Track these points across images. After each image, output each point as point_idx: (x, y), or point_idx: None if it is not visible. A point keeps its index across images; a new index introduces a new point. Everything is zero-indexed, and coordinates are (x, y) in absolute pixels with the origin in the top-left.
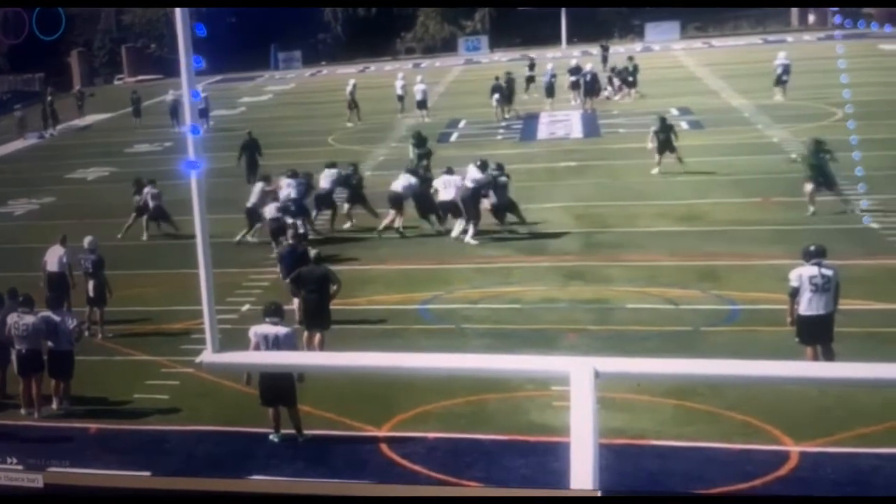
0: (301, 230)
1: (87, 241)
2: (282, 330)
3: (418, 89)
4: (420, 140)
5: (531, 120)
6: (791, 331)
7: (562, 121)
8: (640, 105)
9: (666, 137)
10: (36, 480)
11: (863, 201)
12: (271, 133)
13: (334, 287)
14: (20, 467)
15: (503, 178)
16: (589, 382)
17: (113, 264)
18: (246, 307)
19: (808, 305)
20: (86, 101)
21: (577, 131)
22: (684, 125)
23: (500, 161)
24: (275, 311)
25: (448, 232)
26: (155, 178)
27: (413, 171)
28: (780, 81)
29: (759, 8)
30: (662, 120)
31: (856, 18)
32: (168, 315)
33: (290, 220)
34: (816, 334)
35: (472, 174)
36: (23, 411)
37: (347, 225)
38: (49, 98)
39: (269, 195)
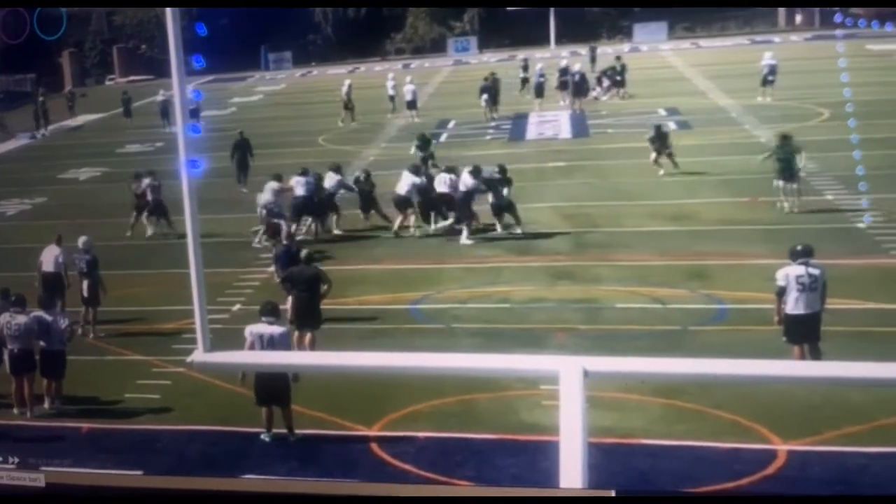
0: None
1: (81, 241)
2: (277, 329)
3: (408, 90)
4: (424, 142)
5: (520, 120)
6: (779, 330)
7: (550, 121)
8: (629, 105)
9: (661, 145)
10: (38, 479)
11: (863, 200)
12: (262, 133)
13: (325, 287)
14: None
15: (500, 180)
16: (578, 381)
17: (105, 264)
18: (237, 307)
19: (794, 305)
20: (77, 101)
21: (565, 131)
22: (672, 125)
23: (501, 162)
24: (271, 311)
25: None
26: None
27: (415, 170)
28: (766, 82)
29: (747, 8)
30: (657, 128)
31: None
32: (159, 315)
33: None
34: (803, 333)
35: (465, 179)
36: (15, 411)
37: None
38: (41, 99)
39: (283, 194)
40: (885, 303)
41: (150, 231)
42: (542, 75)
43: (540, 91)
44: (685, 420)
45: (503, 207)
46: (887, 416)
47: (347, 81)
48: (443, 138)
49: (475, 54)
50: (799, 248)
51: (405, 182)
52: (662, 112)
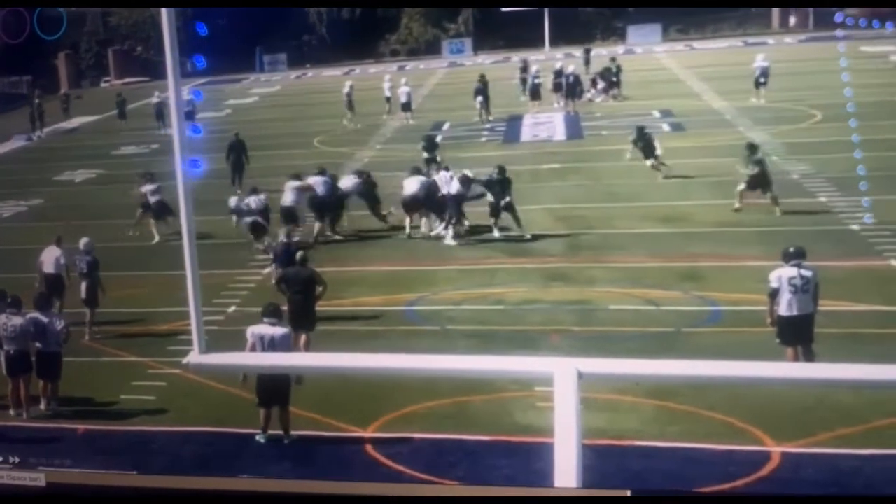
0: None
1: (82, 242)
2: (278, 331)
3: (402, 91)
4: (431, 144)
5: (515, 122)
6: (772, 332)
7: (545, 123)
8: (623, 107)
9: (645, 145)
10: (39, 479)
11: (864, 199)
12: (257, 135)
13: (320, 289)
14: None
15: (499, 181)
16: (572, 383)
17: (101, 266)
18: (232, 308)
19: (787, 306)
20: (71, 103)
21: (560, 133)
22: (666, 127)
23: (500, 163)
24: (273, 312)
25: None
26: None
27: (418, 170)
28: (758, 84)
29: (741, 9)
30: (639, 129)
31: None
32: (155, 316)
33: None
34: (797, 335)
35: (454, 186)
36: (11, 412)
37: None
38: (37, 101)
39: (304, 192)
40: (878, 304)
41: (156, 238)
42: (537, 77)
43: (535, 93)
44: (679, 421)
45: (502, 209)
46: (880, 418)
47: (349, 83)
48: (437, 140)
49: (470, 56)
50: (791, 249)
51: (413, 184)
52: (656, 114)
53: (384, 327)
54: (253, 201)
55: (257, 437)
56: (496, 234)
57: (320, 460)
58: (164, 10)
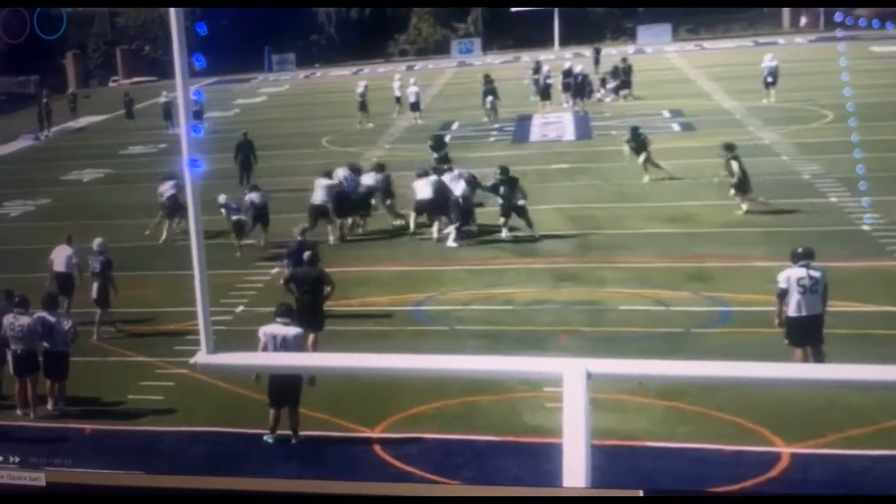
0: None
1: (96, 242)
2: (291, 331)
3: (411, 91)
4: (439, 144)
5: (524, 122)
6: (781, 332)
7: (554, 123)
8: (632, 107)
9: (638, 146)
10: (39, 479)
11: (863, 200)
12: (266, 135)
13: (328, 289)
14: (19, 466)
15: (503, 181)
16: (581, 384)
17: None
18: (240, 308)
19: (796, 307)
20: (79, 103)
21: (569, 133)
22: (676, 127)
23: (503, 164)
24: (285, 312)
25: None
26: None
27: (426, 172)
28: (767, 84)
29: (751, 9)
30: (633, 129)
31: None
32: (163, 316)
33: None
34: (805, 336)
35: (460, 186)
36: (19, 412)
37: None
38: (45, 100)
39: (334, 190)
40: (888, 305)
41: (163, 237)
42: (548, 77)
43: (546, 93)
44: (688, 422)
45: (512, 210)
46: (890, 418)
47: (363, 83)
48: (446, 140)
49: (479, 56)
50: (800, 250)
51: (427, 186)
52: (666, 114)
53: (392, 327)
54: (256, 198)
55: (265, 438)
56: (504, 234)
57: (328, 461)
58: (172, 10)
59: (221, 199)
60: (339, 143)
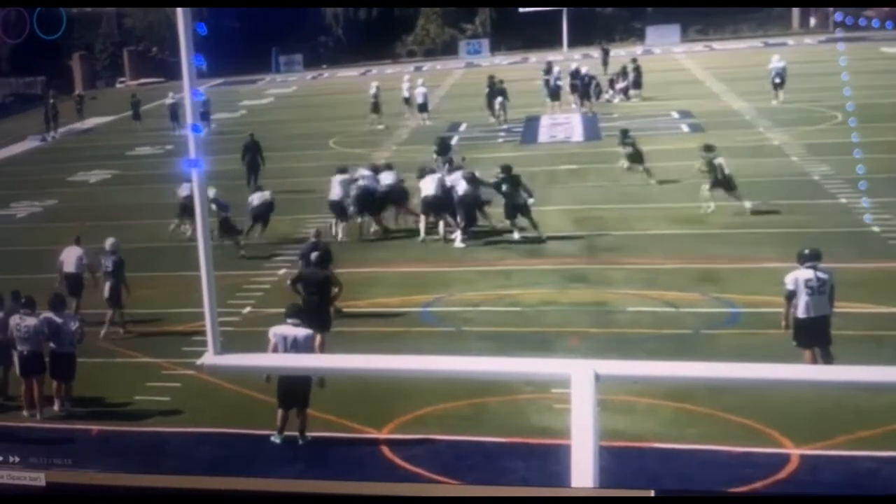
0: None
1: (108, 242)
2: (301, 332)
3: (419, 92)
4: (444, 147)
5: (532, 123)
6: (791, 334)
7: (562, 124)
8: (641, 108)
9: (632, 150)
10: (38, 479)
11: (864, 200)
12: (273, 136)
13: (335, 290)
14: (22, 466)
15: (505, 179)
16: (589, 385)
17: None
18: (247, 309)
19: (805, 308)
20: (85, 105)
21: (577, 134)
22: (685, 128)
23: (506, 164)
24: (296, 313)
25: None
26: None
27: (431, 170)
28: (775, 85)
29: (761, 10)
30: (623, 133)
31: (856, 16)
32: (169, 317)
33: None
34: (813, 337)
35: (462, 185)
36: (25, 413)
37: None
38: (51, 101)
39: (351, 185)
40: None
41: (189, 233)
42: (558, 79)
43: (556, 94)
44: (697, 424)
45: (515, 209)
46: None
47: (375, 83)
48: (454, 141)
49: (487, 57)
50: (806, 251)
51: (430, 184)
52: (675, 115)
53: (400, 328)
54: (256, 198)
55: (272, 438)
56: (515, 235)
57: (335, 462)
58: (179, 10)
59: (210, 193)
60: (347, 145)
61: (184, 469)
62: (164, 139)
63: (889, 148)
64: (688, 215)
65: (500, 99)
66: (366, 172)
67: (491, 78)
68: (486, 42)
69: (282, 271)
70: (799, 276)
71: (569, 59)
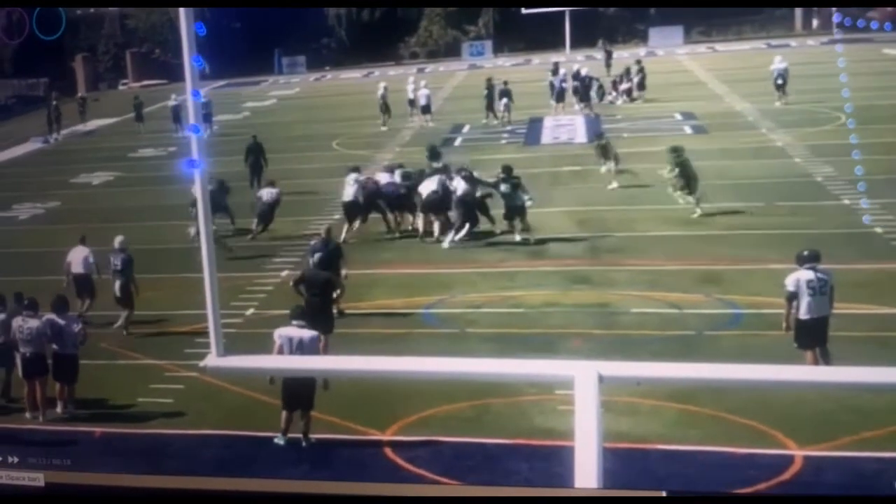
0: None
1: (117, 240)
2: (306, 333)
3: (422, 94)
4: (434, 154)
5: (535, 124)
6: (792, 335)
7: (566, 125)
8: (644, 109)
9: (603, 149)
10: (37, 479)
11: (862, 200)
12: (276, 138)
13: (337, 291)
14: (21, 466)
15: (504, 179)
16: (593, 386)
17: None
18: (250, 311)
19: (807, 309)
20: (88, 107)
21: (580, 135)
22: (688, 130)
23: (507, 164)
24: (301, 315)
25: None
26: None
27: (432, 172)
28: (777, 86)
29: (764, 10)
30: (598, 136)
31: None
32: (172, 319)
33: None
34: (815, 338)
35: (461, 186)
36: (27, 415)
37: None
38: (54, 103)
39: (366, 186)
40: None
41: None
42: (563, 80)
43: (561, 96)
44: (700, 425)
45: (513, 211)
46: None
47: (383, 84)
48: (457, 142)
49: (490, 58)
50: (805, 253)
51: (431, 183)
52: (678, 116)
53: (403, 330)
54: (265, 194)
55: (276, 440)
56: (516, 237)
57: (339, 463)
58: (182, 11)
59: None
60: (350, 146)
61: (187, 471)
62: (167, 141)
63: (890, 149)
64: (690, 216)
65: (504, 100)
66: (383, 175)
67: (489, 80)
68: (489, 43)
69: (284, 273)
70: (800, 278)
71: (571, 60)
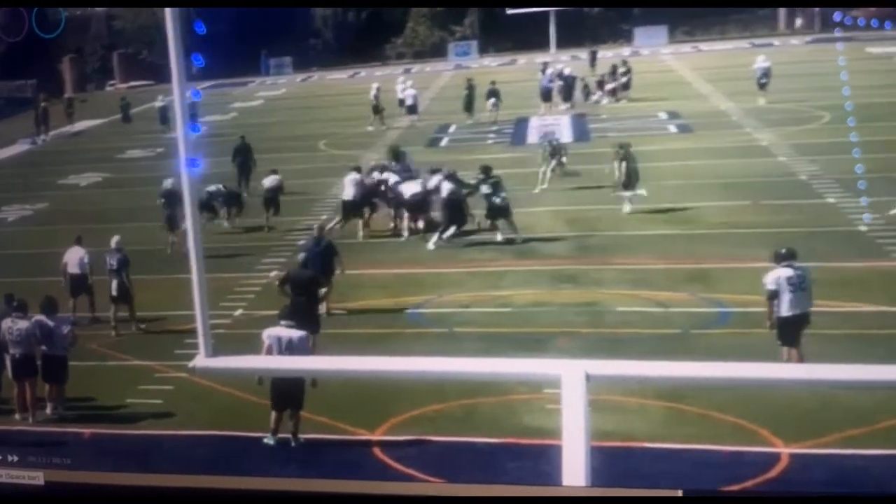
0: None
1: (114, 240)
2: (295, 333)
3: (409, 94)
4: (396, 155)
5: (522, 124)
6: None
7: (552, 125)
8: (629, 109)
9: (553, 151)
10: (37, 478)
11: (862, 199)
12: (263, 138)
13: (323, 291)
14: (21, 465)
15: (484, 180)
16: (580, 385)
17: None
18: (239, 312)
19: (790, 306)
20: (75, 108)
21: (566, 135)
22: (673, 129)
23: (486, 164)
24: (290, 315)
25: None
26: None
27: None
28: (760, 85)
29: (747, 10)
30: (549, 142)
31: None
32: (161, 320)
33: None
34: (796, 333)
35: (445, 186)
36: (17, 416)
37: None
38: (42, 104)
39: (366, 186)
40: (886, 305)
41: (226, 225)
42: (550, 80)
43: (547, 96)
44: (687, 423)
45: (496, 211)
46: (889, 418)
47: (375, 85)
48: (444, 143)
49: (476, 59)
50: (783, 251)
51: (412, 184)
52: (663, 115)
53: (391, 330)
54: (268, 181)
55: (265, 440)
56: (498, 237)
57: (328, 463)
58: (167, 11)
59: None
60: (337, 147)
61: (177, 472)
62: (155, 142)
63: (877, 147)
64: (677, 215)
65: (492, 100)
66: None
67: (469, 80)
68: (474, 44)
69: (273, 273)
70: (780, 275)
71: (556, 60)
